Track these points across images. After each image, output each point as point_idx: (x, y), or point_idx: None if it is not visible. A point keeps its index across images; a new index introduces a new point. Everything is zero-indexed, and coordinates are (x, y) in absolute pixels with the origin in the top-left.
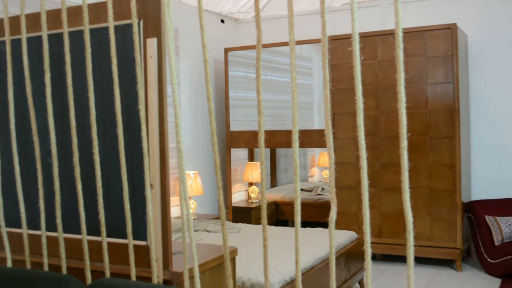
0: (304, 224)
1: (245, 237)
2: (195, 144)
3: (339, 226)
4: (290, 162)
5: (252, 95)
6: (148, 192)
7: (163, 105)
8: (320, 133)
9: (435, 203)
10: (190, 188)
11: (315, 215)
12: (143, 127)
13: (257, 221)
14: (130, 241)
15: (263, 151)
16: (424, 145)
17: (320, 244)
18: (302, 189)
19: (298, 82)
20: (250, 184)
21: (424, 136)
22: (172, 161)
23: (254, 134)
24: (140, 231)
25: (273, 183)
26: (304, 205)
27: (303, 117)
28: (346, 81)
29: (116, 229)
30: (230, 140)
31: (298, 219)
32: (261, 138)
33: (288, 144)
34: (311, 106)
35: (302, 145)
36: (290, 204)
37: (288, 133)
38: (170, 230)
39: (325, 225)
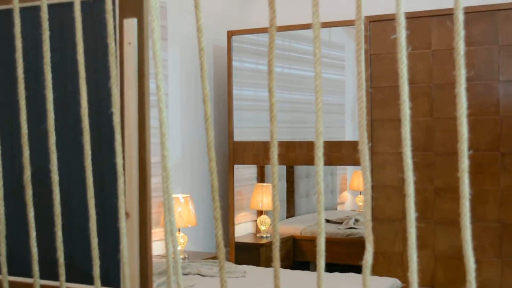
0: (331, 268)
1: (252, 284)
2: (187, 159)
3: (378, 271)
4: (313, 184)
5: (263, 94)
6: (123, 223)
7: (145, 107)
8: (354, 146)
9: (507, 241)
10: (178, 218)
11: (345, 256)
12: (118, 136)
13: (268, 263)
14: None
15: (276, 170)
16: (493, 164)
17: None
18: (328, 221)
19: (324, 78)
20: (260, 213)
21: (493, 151)
22: (155, 181)
23: (266, 146)
24: (111, 274)
25: (290, 212)
26: (332, 242)
27: (331, 124)
28: (389, 78)
29: (80, 271)
30: (234, 154)
31: (322, 261)
32: (274, 152)
33: (311, 161)
34: (343, 109)
35: (329, 161)
36: (312, 241)
37: (311, 145)
38: (151, 274)
39: (358, 269)
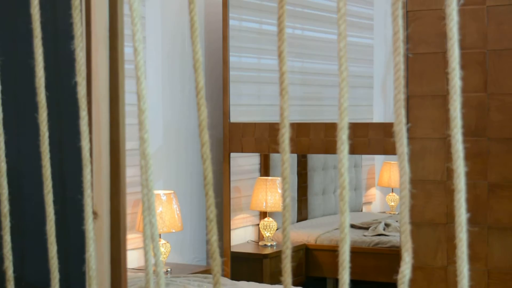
0: (355, 285)
1: None
2: (170, 145)
3: None
4: (331, 178)
5: (269, 62)
6: (89, 225)
7: (118, 76)
8: (385, 129)
9: None
10: (160, 220)
11: (373, 270)
12: (83, 114)
13: (274, 279)
14: None
15: (288, 158)
16: None
17: None
18: (351, 226)
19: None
20: (263, 215)
21: None
22: (131, 173)
23: (272, 129)
24: None
25: (302, 214)
26: (355, 252)
27: (355, 101)
28: (431, 42)
29: (34, 286)
30: (230, 139)
31: (345, 277)
32: (285, 134)
33: (329, 148)
34: (370, 82)
35: (352, 149)
36: (330, 251)
37: (330, 128)
38: None
39: (389, 286)
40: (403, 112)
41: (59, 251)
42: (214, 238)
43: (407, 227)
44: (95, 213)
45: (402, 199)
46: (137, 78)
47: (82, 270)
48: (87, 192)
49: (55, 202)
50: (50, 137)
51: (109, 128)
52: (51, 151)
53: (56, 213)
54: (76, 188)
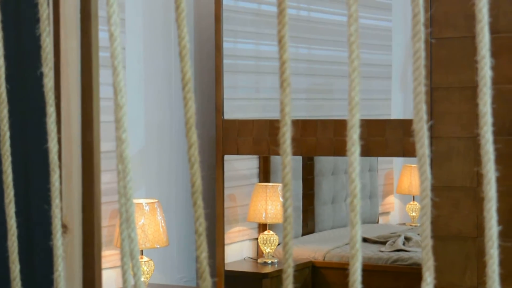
0: None
1: None
2: (154, 146)
3: None
4: (342, 184)
5: (269, 49)
6: (58, 241)
7: (91, 66)
8: (404, 127)
9: None
10: (141, 234)
11: None
12: (50, 110)
13: None
14: None
15: (289, 161)
16: None
17: None
18: (366, 240)
19: (362, 25)
20: (262, 227)
21: None
22: (107, 179)
23: (272, 127)
24: None
25: (308, 226)
26: (371, 271)
27: (371, 94)
28: (459, 25)
29: None
30: (224, 139)
31: None
32: (287, 133)
33: (339, 149)
34: (388, 71)
35: (367, 151)
36: (341, 269)
37: (340, 125)
38: None
39: None
40: (424, 107)
41: (22, 271)
42: (204, 255)
43: (428, 242)
44: (64, 227)
45: (423, 209)
46: (114, 68)
47: None
48: (55, 202)
49: (17, 213)
50: (12, 137)
51: (81, 126)
52: (13, 153)
53: (19, 227)
54: (43, 197)
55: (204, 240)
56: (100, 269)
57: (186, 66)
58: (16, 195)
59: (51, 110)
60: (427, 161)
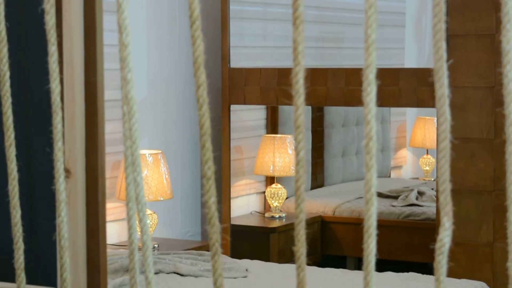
0: (382, 265)
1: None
2: (158, 95)
3: (455, 270)
4: (353, 136)
5: None
6: (61, 185)
7: (95, 2)
8: (419, 76)
9: None
10: (145, 186)
11: (404, 248)
12: (52, 49)
13: (283, 257)
14: (22, 287)
15: (302, 102)
16: None
17: None
18: (379, 194)
19: None
20: (270, 180)
21: None
22: (110, 129)
23: (281, 76)
24: (42, 267)
25: (318, 179)
26: (384, 226)
27: (384, 43)
28: None
29: None
30: (230, 88)
31: (371, 246)
32: (299, 74)
33: (350, 99)
34: (402, 20)
35: (380, 101)
36: (352, 224)
37: (351, 74)
38: (104, 269)
39: (422, 268)
40: (443, 45)
41: (23, 217)
42: (213, 200)
43: (447, 186)
44: (67, 171)
45: (441, 152)
46: (118, 4)
47: (51, 239)
48: (58, 145)
49: (18, 157)
50: (12, 77)
51: (84, 65)
52: (13, 94)
53: (19, 171)
54: (45, 140)
55: (212, 184)
56: (104, 216)
57: (194, 3)
58: (17, 138)
59: (52, 49)
60: (447, 101)
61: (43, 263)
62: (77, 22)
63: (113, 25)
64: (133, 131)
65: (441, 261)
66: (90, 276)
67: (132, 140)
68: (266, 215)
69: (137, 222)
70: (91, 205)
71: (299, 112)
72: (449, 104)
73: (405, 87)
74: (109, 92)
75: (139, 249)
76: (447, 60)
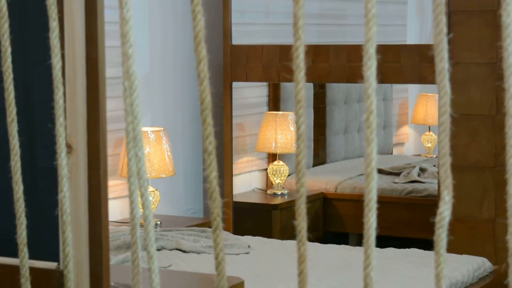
0: (384, 242)
1: (260, 264)
2: (159, 72)
3: (456, 246)
4: (355, 113)
5: None
6: (63, 161)
7: None
8: (421, 52)
9: None
10: (147, 164)
11: (405, 224)
12: (53, 24)
13: (285, 233)
14: (24, 262)
15: (302, 77)
16: None
17: (415, 282)
18: (380, 171)
19: None
20: (272, 157)
21: None
22: (111, 107)
23: (283, 53)
24: (45, 243)
25: (320, 157)
26: (385, 203)
27: (385, 19)
28: None
29: None
30: (232, 65)
31: (371, 231)
32: (300, 47)
33: (352, 75)
34: None
35: (382, 77)
36: (353, 201)
37: (353, 51)
38: (106, 244)
39: (423, 244)
40: (444, 19)
41: (26, 192)
42: (214, 174)
43: (447, 160)
44: (69, 146)
45: (441, 126)
46: None
47: (53, 214)
48: (60, 120)
49: (20, 132)
50: (13, 53)
51: (85, 40)
52: (14, 70)
53: (21, 146)
54: (46, 115)
55: (214, 159)
56: (106, 192)
57: None
58: (18, 113)
59: (54, 24)
60: (447, 75)
61: (45, 238)
62: (77, 25)
63: (114, 2)
64: (134, 106)
65: (441, 235)
66: (92, 250)
67: (134, 115)
68: (268, 192)
69: (137, 205)
70: (93, 180)
71: (299, 86)
72: (449, 79)
73: (406, 63)
74: (111, 70)
75: (141, 225)
76: (448, 35)
